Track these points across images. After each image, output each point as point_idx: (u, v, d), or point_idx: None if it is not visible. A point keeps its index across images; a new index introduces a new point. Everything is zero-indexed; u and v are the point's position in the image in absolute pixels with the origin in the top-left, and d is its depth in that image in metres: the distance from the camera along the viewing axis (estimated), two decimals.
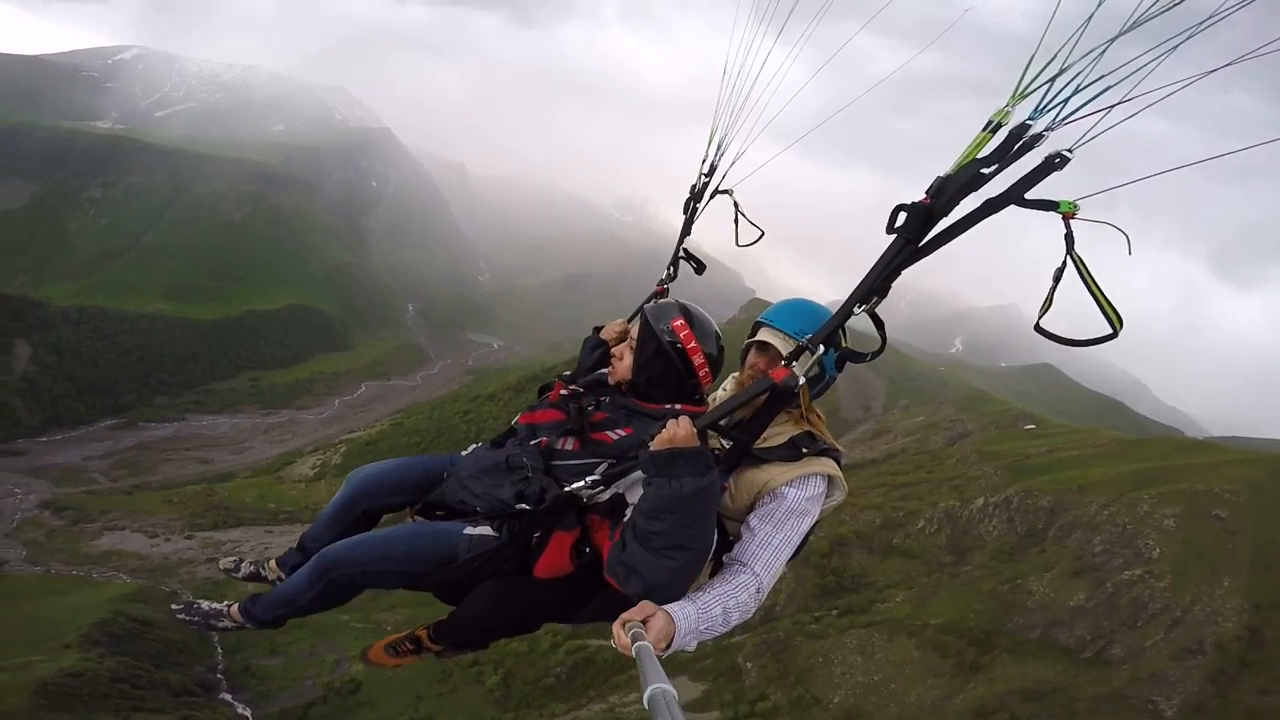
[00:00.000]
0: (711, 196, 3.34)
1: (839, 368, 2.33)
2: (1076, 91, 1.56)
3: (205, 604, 3.20)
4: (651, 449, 2.13)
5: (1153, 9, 1.42)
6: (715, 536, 2.23)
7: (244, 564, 3.43)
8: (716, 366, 2.66)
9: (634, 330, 2.72)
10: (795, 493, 2.36)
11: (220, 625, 3.13)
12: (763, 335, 2.53)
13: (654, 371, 2.62)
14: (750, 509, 2.44)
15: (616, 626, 2.02)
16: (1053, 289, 1.65)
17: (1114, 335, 1.63)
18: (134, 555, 57.13)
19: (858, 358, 2.21)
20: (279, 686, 42.52)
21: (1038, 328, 1.71)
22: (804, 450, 2.41)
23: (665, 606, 2.08)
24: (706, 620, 2.15)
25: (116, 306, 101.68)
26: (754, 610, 2.30)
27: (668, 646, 2.07)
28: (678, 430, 2.10)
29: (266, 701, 41.54)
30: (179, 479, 75.02)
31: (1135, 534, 38.47)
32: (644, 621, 2.03)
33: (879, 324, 2.08)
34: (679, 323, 2.58)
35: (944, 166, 1.72)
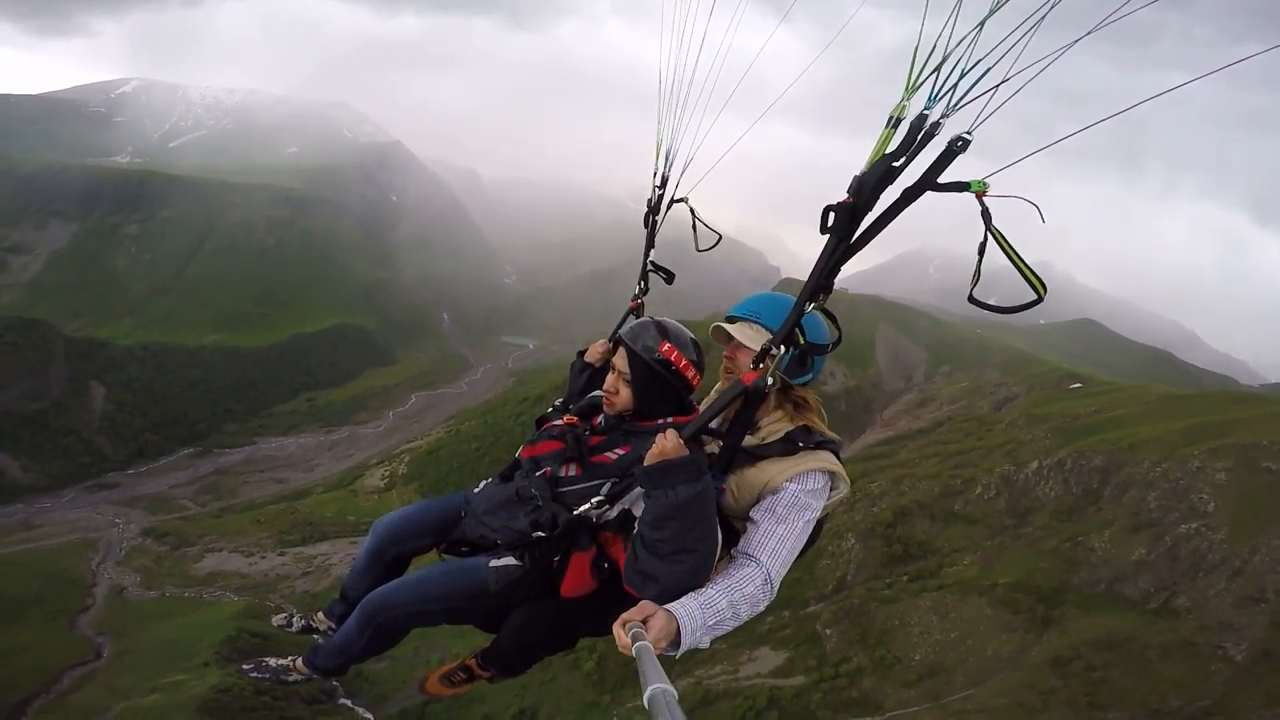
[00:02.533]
0: (669, 207, 3.44)
1: (804, 361, 2.41)
2: (962, 76, 1.66)
3: (274, 661, 3.46)
4: (645, 463, 2.26)
5: None
6: (720, 535, 2.34)
7: (295, 619, 3.70)
8: (702, 367, 2.80)
9: (618, 362, 2.77)
10: (795, 487, 2.43)
11: (290, 679, 3.36)
12: (735, 332, 2.61)
13: (654, 395, 2.74)
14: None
15: (617, 627, 2.10)
16: (979, 263, 1.77)
17: (1039, 300, 1.76)
18: (236, 574, 61.11)
19: (819, 350, 2.28)
20: (392, 689, 45.42)
21: (970, 298, 1.84)
22: (800, 444, 2.49)
23: (666, 606, 2.17)
24: (713, 615, 2.21)
25: (175, 341, 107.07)
26: (766, 601, 2.35)
27: (677, 645, 2.15)
28: (666, 443, 2.22)
29: (384, 704, 44.64)
30: (260, 499, 79.48)
31: (1189, 489, 39.88)
32: (644, 621, 2.10)
33: (831, 318, 2.23)
34: (666, 346, 2.70)
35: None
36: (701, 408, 2.70)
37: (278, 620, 3.77)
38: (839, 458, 2.55)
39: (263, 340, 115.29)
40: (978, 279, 1.77)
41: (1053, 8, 1.51)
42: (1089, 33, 1.49)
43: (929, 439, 60.99)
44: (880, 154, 1.77)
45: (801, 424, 2.55)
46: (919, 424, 67.07)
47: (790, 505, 2.40)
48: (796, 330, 2.14)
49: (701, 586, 2.30)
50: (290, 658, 3.40)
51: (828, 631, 37.74)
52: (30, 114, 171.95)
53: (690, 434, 2.27)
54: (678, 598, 2.23)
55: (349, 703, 45.27)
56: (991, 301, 1.84)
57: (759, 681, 36.81)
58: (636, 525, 2.36)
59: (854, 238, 1.91)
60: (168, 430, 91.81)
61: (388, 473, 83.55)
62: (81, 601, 55.86)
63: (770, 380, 2.20)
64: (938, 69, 1.68)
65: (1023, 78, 1.56)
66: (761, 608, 2.33)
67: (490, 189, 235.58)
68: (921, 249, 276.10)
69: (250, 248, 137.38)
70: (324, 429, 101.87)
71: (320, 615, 3.56)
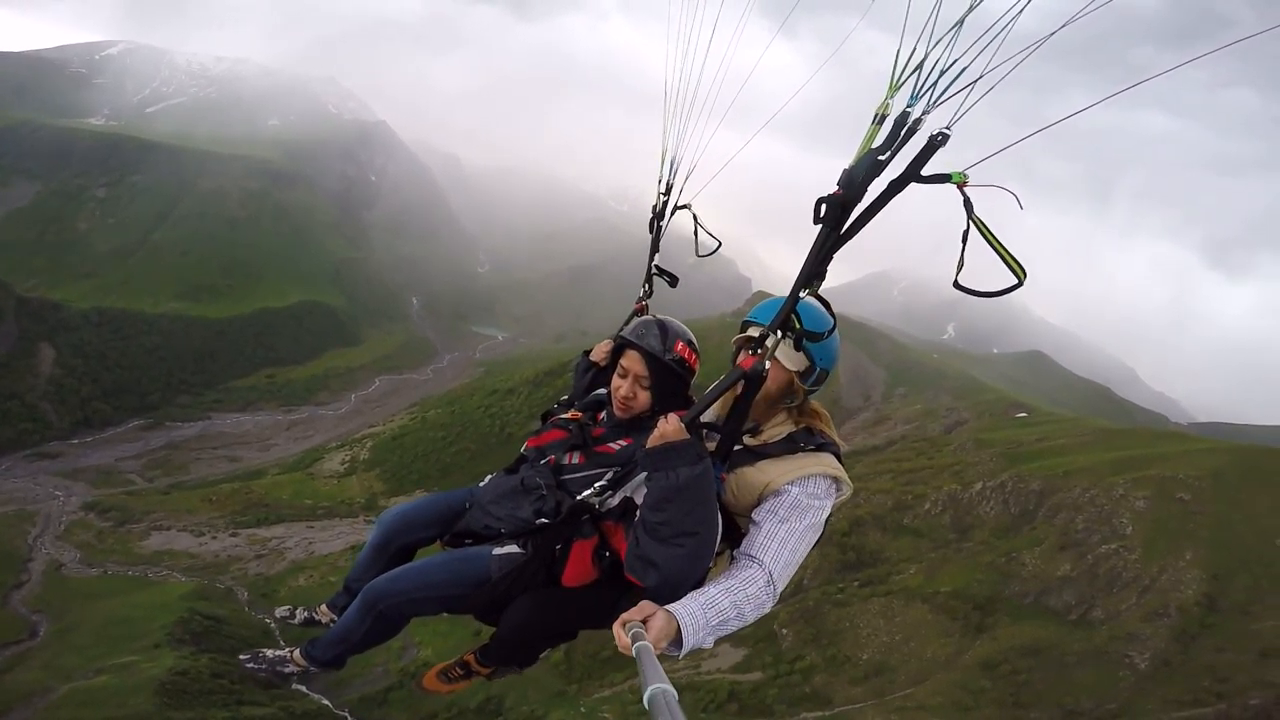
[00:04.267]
0: (673, 213, 3.52)
1: (798, 348, 2.36)
2: (940, 76, 1.78)
3: (271, 652, 3.41)
4: (646, 447, 2.30)
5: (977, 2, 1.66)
6: (720, 521, 2.37)
7: (298, 611, 3.72)
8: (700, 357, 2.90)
9: (633, 366, 2.81)
10: (797, 490, 2.46)
11: (287, 671, 3.33)
12: (751, 331, 2.55)
13: (669, 392, 2.83)
14: (755, 507, 2.54)
15: (617, 627, 2.12)
16: (963, 250, 1.86)
17: (1019, 284, 1.84)
18: (185, 554, 59.24)
19: (814, 337, 2.30)
20: (351, 675, 44.61)
21: (955, 284, 1.91)
22: (801, 445, 2.53)
23: (667, 606, 2.19)
24: (716, 615, 2.24)
25: (134, 307, 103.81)
26: (770, 603, 2.38)
27: (679, 645, 2.18)
28: (667, 427, 2.27)
29: (340, 690, 44.07)
30: (212, 477, 77.35)
31: (1112, 513, 43.35)
32: (644, 621, 2.12)
33: (825, 304, 2.28)
34: (680, 346, 2.81)
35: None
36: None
37: (281, 613, 3.77)
38: (840, 460, 2.59)
39: (225, 312, 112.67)
40: (962, 265, 1.87)
41: (1020, 13, 1.62)
42: (1051, 35, 1.63)
43: (883, 456, 64.10)
44: (867, 148, 1.89)
45: (804, 426, 2.60)
46: (874, 441, 70.26)
47: (792, 507, 2.43)
48: (793, 316, 2.18)
49: (701, 574, 2.37)
50: (288, 649, 3.37)
51: (784, 631, 39.95)
52: (8, 71, 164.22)
53: (690, 418, 2.32)
54: (678, 585, 2.30)
55: (304, 689, 44.15)
56: (977, 285, 1.91)
57: (719, 676, 38.66)
58: (639, 511, 2.41)
59: (844, 228, 1.99)
60: (118, 399, 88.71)
61: (348, 457, 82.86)
62: (16, 577, 53.19)
63: (767, 364, 2.20)
64: (918, 69, 1.79)
65: (994, 76, 1.68)
66: (767, 608, 2.37)
67: (471, 176, 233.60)
68: (888, 271, 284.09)
69: (221, 217, 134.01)
70: (282, 408, 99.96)
71: (323, 608, 3.57)
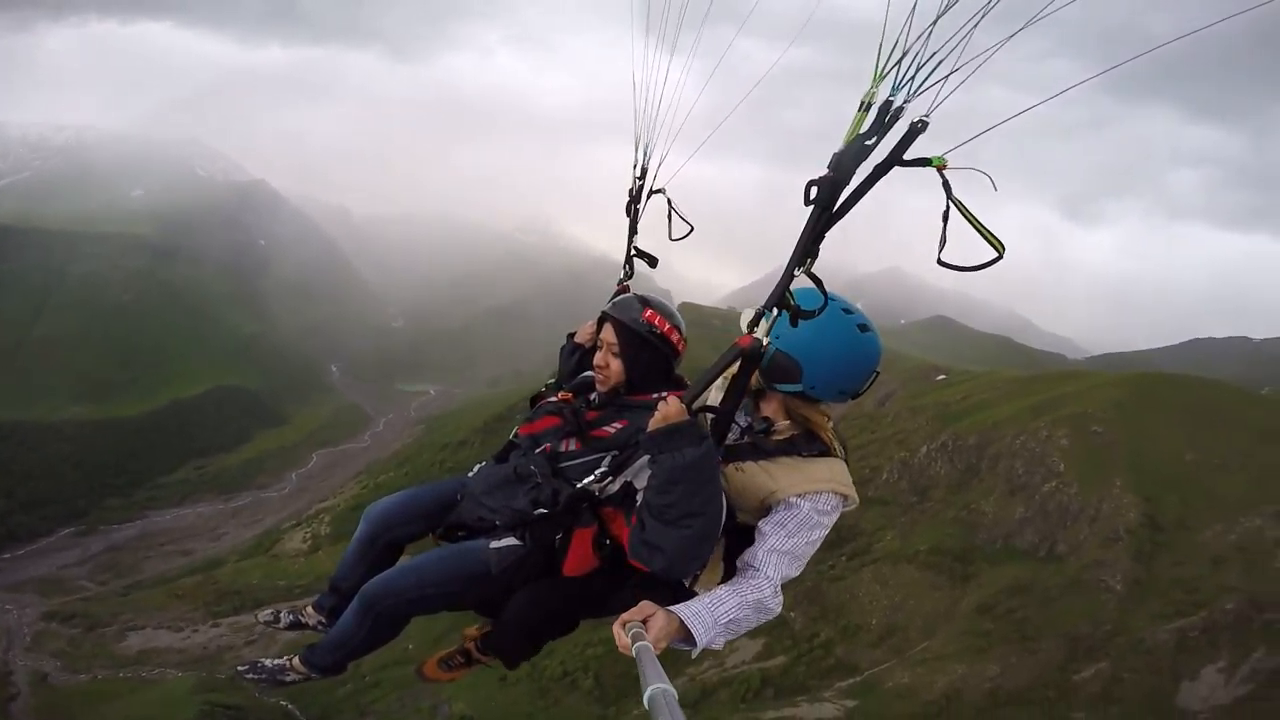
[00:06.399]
0: (649, 196, 3.53)
1: (793, 324, 2.24)
2: (920, 68, 1.88)
3: (269, 661, 3.31)
4: (649, 429, 2.29)
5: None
6: (725, 500, 2.36)
7: (283, 614, 3.57)
8: (683, 334, 2.91)
9: (606, 336, 2.85)
10: (809, 506, 2.48)
11: (287, 679, 3.24)
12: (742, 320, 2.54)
13: (644, 364, 2.82)
14: (758, 512, 2.55)
15: (617, 627, 2.14)
16: (944, 229, 1.94)
17: (1000, 257, 1.91)
18: (172, 650, 57.88)
19: (808, 315, 2.24)
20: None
21: (939, 261, 1.97)
22: (801, 452, 2.56)
23: (668, 607, 2.23)
24: (724, 612, 2.30)
25: (31, 416, 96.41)
26: (776, 609, 2.43)
27: (690, 643, 2.24)
28: (668, 408, 2.27)
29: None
30: (170, 572, 74.29)
31: (1044, 454, 48.27)
32: (644, 621, 2.14)
33: (818, 282, 2.25)
34: (649, 313, 2.81)
35: (833, 146, 2.03)
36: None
37: (264, 616, 3.62)
38: (846, 463, 2.65)
39: (135, 409, 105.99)
40: (944, 243, 1.95)
41: (989, 9, 1.75)
42: (1022, 28, 1.75)
43: None
44: (855, 134, 1.98)
45: (806, 430, 2.64)
46: None
47: (802, 523, 2.48)
48: (787, 295, 2.20)
49: (705, 558, 2.41)
50: (286, 656, 3.27)
51: (793, 614, 43.10)
52: None
53: (690, 400, 2.34)
54: (685, 567, 2.37)
55: None
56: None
57: (747, 668, 41.04)
58: (641, 495, 2.44)
59: (835, 207, 2.06)
60: (40, 511, 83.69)
61: (309, 535, 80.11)
62: (5, 690, 51.66)
63: (765, 340, 2.22)
64: (899, 62, 1.90)
65: (969, 68, 1.83)
66: (774, 613, 2.44)
67: (363, 226, 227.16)
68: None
69: (105, 304, 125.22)
70: (222, 496, 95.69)
71: (309, 609, 3.43)
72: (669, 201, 3.43)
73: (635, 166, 3.53)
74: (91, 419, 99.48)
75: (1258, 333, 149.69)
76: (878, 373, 2.60)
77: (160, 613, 63.32)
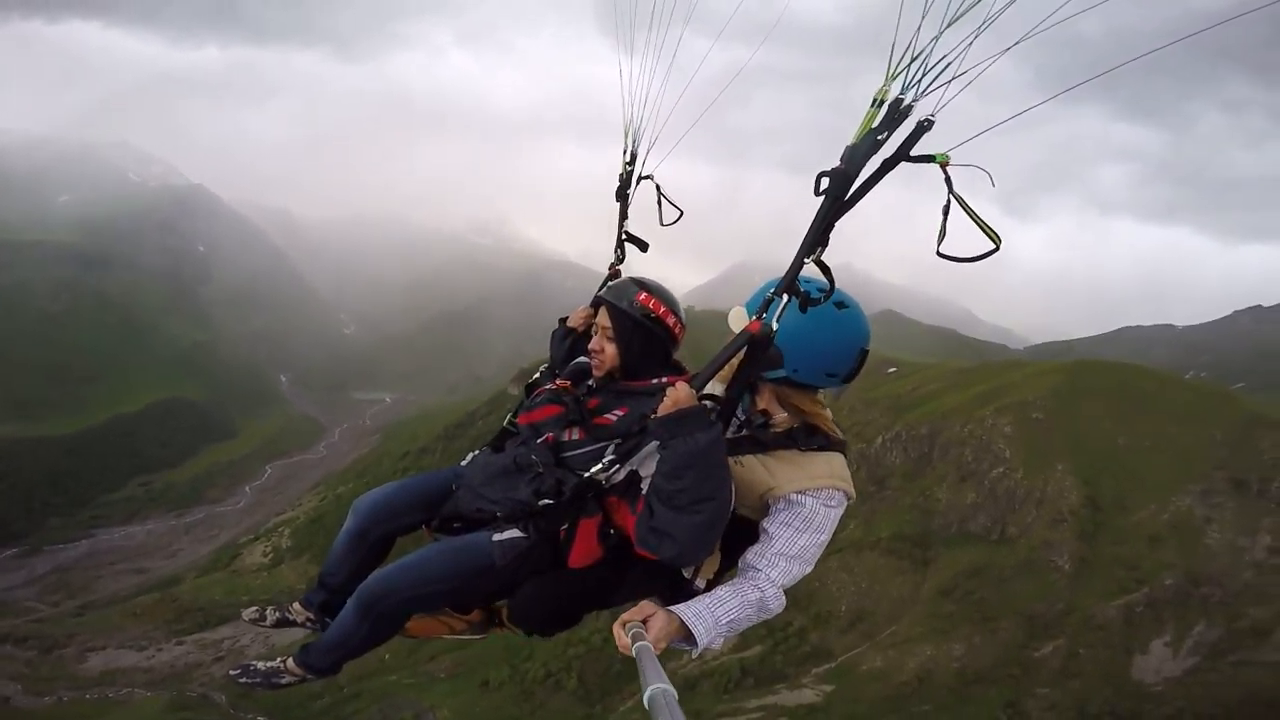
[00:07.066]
0: (638, 182, 3.47)
1: (803, 310, 2.26)
2: (925, 73, 1.97)
3: (262, 664, 3.15)
4: (659, 415, 2.27)
5: (962, 9, 1.88)
6: (733, 485, 2.32)
7: (269, 611, 3.40)
8: (680, 317, 2.85)
9: (600, 320, 2.82)
10: (813, 502, 2.44)
11: (281, 682, 3.09)
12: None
13: (639, 348, 2.76)
14: (758, 508, 2.50)
15: (616, 627, 2.13)
16: (944, 222, 2.01)
17: (996, 249, 1.98)
18: (138, 670, 56.38)
19: (815, 302, 2.25)
20: None
21: (938, 253, 2.03)
22: (800, 445, 2.50)
23: (668, 607, 2.21)
24: (725, 611, 2.27)
25: None
26: (778, 609, 2.40)
27: (691, 643, 2.21)
28: (678, 394, 2.25)
29: None
30: (124, 591, 71.74)
31: (990, 442, 50.88)
32: (644, 621, 2.13)
33: (825, 269, 2.24)
34: (643, 296, 2.78)
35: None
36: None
37: (249, 614, 3.47)
38: (846, 456, 2.62)
39: (72, 425, 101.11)
40: (943, 236, 2.01)
41: (994, 19, 1.85)
42: (1021, 40, 1.84)
43: None
44: (867, 128, 2.04)
45: (803, 423, 2.57)
46: None
47: (807, 521, 2.43)
48: (796, 284, 2.20)
49: (714, 544, 2.37)
50: (279, 658, 3.12)
51: None
52: None
53: (701, 385, 2.33)
54: (695, 554, 2.32)
55: None
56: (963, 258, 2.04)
57: (725, 659, 42.20)
58: (650, 482, 2.37)
59: (846, 197, 2.09)
60: None
61: (269, 548, 78.21)
62: None
63: (775, 324, 2.19)
64: (909, 65, 1.98)
65: (973, 73, 1.94)
66: (774, 613, 2.42)
67: (310, 230, 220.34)
68: (745, 262, 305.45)
69: (33, 316, 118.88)
70: (172, 513, 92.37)
71: (297, 606, 3.31)
72: (658, 188, 3.43)
73: (625, 152, 3.47)
74: (25, 437, 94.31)
75: (1181, 320, 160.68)
76: (866, 351, 2.57)
77: (119, 632, 61.42)
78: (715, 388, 2.43)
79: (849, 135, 2.08)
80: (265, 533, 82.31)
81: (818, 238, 2.15)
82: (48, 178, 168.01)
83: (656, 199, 3.41)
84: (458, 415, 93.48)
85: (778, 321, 2.20)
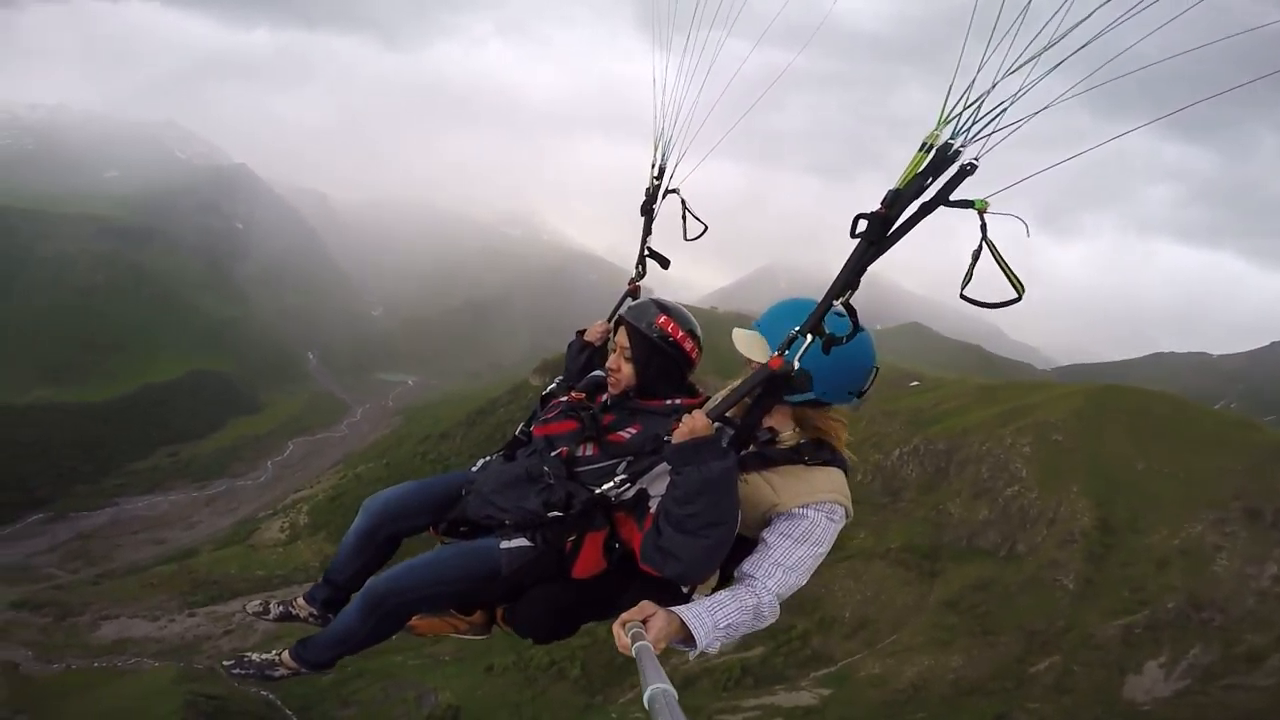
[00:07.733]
0: (664, 196, 3.50)
1: (826, 351, 2.25)
2: (974, 122, 1.98)
3: (256, 656, 3.18)
4: (675, 442, 2.32)
5: (1024, 56, 1.89)
6: (739, 509, 2.35)
7: (273, 605, 3.44)
8: (700, 342, 2.89)
9: (619, 339, 2.88)
10: (813, 514, 2.47)
11: (275, 675, 3.13)
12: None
13: (655, 370, 2.82)
14: (759, 524, 2.51)
15: (616, 627, 2.14)
16: (971, 266, 2.01)
17: (1019, 299, 2.03)
18: (149, 640, 57.39)
19: (838, 342, 2.24)
20: None
21: (962, 296, 2.05)
22: (805, 458, 2.53)
23: (668, 608, 2.23)
24: (724, 615, 2.29)
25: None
26: (772, 618, 2.43)
27: (689, 644, 2.24)
28: (695, 422, 2.30)
29: None
30: (143, 561, 73.25)
31: (1007, 460, 51.03)
32: (644, 621, 2.14)
33: (852, 312, 2.28)
34: (663, 319, 2.81)
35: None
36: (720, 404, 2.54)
37: (253, 607, 3.53)
38: (847, 473, 2.64)
39: (103, 393, 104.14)
40: (969, 279, 2.01)
41: (1046, 75, 1.88)
42: (1066, 95, 1.88)
43: None
44: (913, 173, 2.04)
45: (813, 438, 2.60)
46: None
47: (806, 533, 2.46)
48: (822, 324, 2.20)
49: (718, 564, 2.41)
50: (275, 651, 3.16)
51: None
52: None
53: (717, 415, 2.37)
54: (698, 576, 2.42)
55: None
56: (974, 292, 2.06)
57: (727, 658, 42.47)
58: (660, 503, 2.42)
59: (882, 242, 2.10)
60: (3, 496, 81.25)
61: (286, 524, 79.75)
62: None
63: (796, 364, 2.22)
64: (968, 108, 1.98)
65: (1023, 121, 1.97)
66: (769, 621, 2.44)
67: (343, 214, 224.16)
68: (771, 266, 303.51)
69: (73, 286, 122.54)
70: (195, 484, 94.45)
71: (300, 601, 3.34)
72: (683, 202, 3.45)
73: (653, 166, 3.48)
74: (57, 403, 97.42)
75: (1216, 348, 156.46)
76: (877, 369, 2.59)
77: (134, 602, 62.74)
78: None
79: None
80: (284, 509, 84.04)
81: (849, 280, 2.16)
82: (98, 154, 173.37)
83: (682, 214, 3.44)
84: (479, 402, 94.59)
85: (799, 361, 2.23)
